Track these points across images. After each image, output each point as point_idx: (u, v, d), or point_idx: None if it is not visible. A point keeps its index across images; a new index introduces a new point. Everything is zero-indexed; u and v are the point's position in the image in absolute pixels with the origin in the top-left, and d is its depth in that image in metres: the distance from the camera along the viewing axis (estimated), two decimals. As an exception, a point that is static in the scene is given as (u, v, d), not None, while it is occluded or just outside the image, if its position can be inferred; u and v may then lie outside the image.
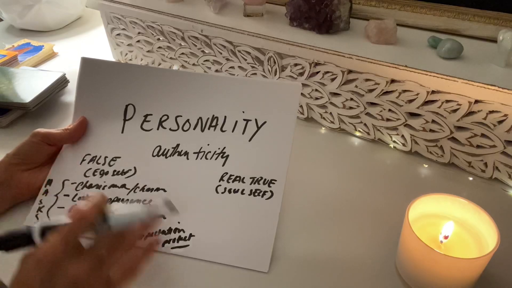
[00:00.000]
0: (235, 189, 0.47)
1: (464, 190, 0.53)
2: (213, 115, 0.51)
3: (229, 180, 0.48)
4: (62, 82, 0.72)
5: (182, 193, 0.48)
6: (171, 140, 0.51)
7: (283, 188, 0.46)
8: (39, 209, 0.48)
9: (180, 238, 0.45)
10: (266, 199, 0.46)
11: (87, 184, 0.50)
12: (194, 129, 0.51)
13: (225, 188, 0.47)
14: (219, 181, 0.48)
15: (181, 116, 0.52)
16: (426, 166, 0.57)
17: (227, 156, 0.49)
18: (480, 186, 0.53)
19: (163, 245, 0.44)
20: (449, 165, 0.56)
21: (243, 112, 0.49)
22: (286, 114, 0.48)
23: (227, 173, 0.48)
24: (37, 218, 0.47)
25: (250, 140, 0.49)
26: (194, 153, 0.50)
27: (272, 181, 0.47)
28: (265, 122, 0.49)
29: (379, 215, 0.49)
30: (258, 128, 0.49)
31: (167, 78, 0.52)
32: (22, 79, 0.69)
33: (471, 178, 0.55)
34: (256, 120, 0.49)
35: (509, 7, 0.56)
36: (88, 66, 0.55)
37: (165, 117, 0.52)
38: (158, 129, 0.52)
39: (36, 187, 0.50)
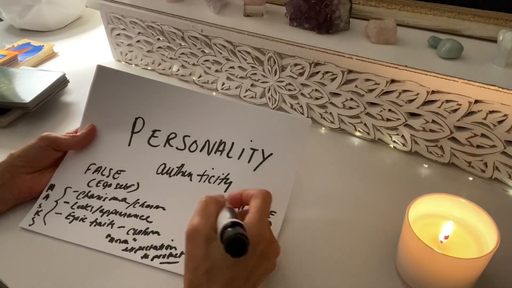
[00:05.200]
0: None
1: (464, 190, 0.53)
2: (221, 140, 0.50)
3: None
4: (62, 82, 0.72)
5: (180, 213, 0.47)
6: (177, 159, 0.51)
7: (282, 220, 0.46)
8: (37, 213, 0.48)
9: (170, 255, 0.44)
10: None
11: (89, 194, 0.50)
12: (200, 151, 0.51)
13: None
14: None
15: (189, 136, 0.52)
16: (426, 166, 0.57)
17: (230, 182, 0.49)
18: (480, 186, 0.53)
19: (152, 259, 0.44)
20: (449, 165, 0.56)
21: (251, 141, 0.49)
22: (293, 149, 0.48)
23: None
24: (33, 221, 0.47)
25: (254, 170, 0.49)
26: (198, 175, 0.50)
27: (272, 213, 0.47)
28: (271, 154, 0.49)
29: (379, 215, 0.49)
30: (264, 159, 0.49)
31: (180, 96, 0.52)
32: (22, 79, 0.69)
33: (471, 178, 0.55)
34: (263, 150, 0.49)
35: (509, 7, 0.56)
36: (103, 74, 0.54)
37: (173, 135, 0.52)
38: (164, 146, 0.52)
39: (37, 191, 0.50)
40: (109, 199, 0.49)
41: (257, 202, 0.38)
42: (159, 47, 0.76)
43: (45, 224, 0.47)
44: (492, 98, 0.48)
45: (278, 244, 0.39)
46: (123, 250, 0.45)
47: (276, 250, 0.39)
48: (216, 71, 0.71)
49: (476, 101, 0.49)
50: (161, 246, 0.45)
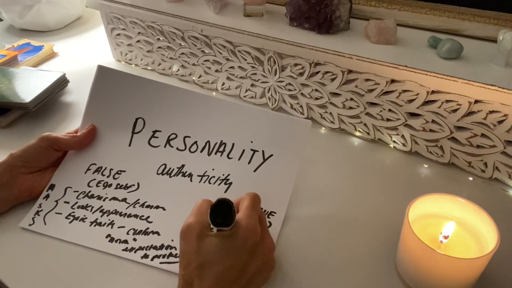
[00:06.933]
0: None
1: (464, 190, 0.53)
2: (221, 141, 0.50)
3: None
4: (62, 82, 0.72)
5: (180, 213, 0.46)
6: (177, 160, 0.51)
7: (282, 220, 0.47)
8: (37, 213, 0.48)
9: (170, 255, 0.44)
10: None
11: (89, 194, 0.50)
12: (201, 152, 0.51)
13: None
14: None
15: (189, 137, 0.52)
16: (426, 166, 0.57)
17: (231, 183, 0.49)
18: (480, 186, 0.53)
19: (152, 259, 0.44)
20: (449, 165, 0.56)
21: (251, 142, 0.50)
22: (293, 150, 0.48)
23: None
24: (33, 221, 0.47)
25: (255, 170, 0.49)
26: (198, 176, 0.50)
27: (272, 213, 0.47)
28: (271, 155, 0.49)
29: (379, 215, 0.49)
30: (264, 160, 0.49)
31: (181, 97, 0.52)
32: (22, 79, 0.69)
33: (471, 178, 0.55)
34: (263, 151, 0.49)
35: (509, 7, 0.56)
36: (104, 74, 0.54)
37: (173, 136, 0.52)
38: (165, 146, 0.52)
39: (37, 191, 0.50)
40: (109, 199, 0.49)
41: (245, 201, 0.40)
42: (159, 47, 0.76)
43: (45, 224, 0.47)
44: (492, 98, 0.48)
45: (272, 239, 0.40)
46: (123, 250, 0.45)
47: (270, 245, 0.40)
48: (216, 71, 0.71)
49: (476, 101, 0.49)
50: (161, 246, 0.45)
